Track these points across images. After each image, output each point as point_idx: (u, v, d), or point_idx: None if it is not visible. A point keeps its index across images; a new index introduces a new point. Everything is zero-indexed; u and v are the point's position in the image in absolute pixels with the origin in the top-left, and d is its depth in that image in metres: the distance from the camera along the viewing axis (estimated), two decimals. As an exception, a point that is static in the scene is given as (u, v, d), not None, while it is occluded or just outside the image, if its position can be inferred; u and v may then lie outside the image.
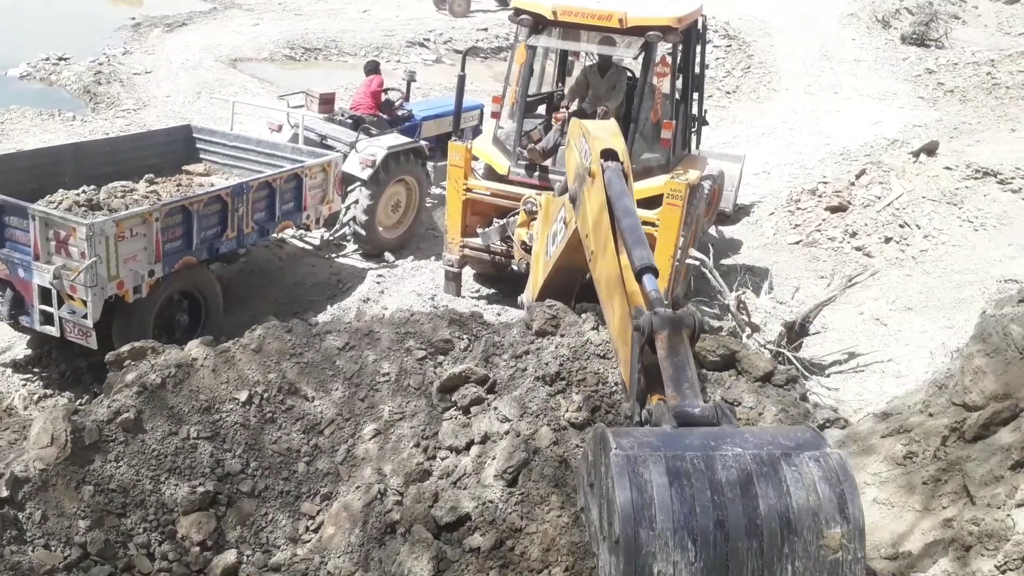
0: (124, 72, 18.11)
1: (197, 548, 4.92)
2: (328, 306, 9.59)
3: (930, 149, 12.14)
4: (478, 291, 10.21)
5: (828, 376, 7.50)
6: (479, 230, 9.36)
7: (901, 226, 10.78)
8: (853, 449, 4.26)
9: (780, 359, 7.30)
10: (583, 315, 5.71)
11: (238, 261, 9.62)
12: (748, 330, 7.57)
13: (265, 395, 5.52)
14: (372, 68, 11.60)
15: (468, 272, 10.17)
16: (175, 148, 10.03)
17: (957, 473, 3.50)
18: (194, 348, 5.68)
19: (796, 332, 7.93)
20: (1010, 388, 3.74)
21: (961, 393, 3.96)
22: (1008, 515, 2.87)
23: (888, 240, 10.78)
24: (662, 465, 2.80)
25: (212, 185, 9.22)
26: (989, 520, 2.91)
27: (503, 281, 9.88)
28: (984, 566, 2.83)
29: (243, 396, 5.44)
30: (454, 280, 9.80)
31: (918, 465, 3.77)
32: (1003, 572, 2.75)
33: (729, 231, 12.21)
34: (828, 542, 2.83)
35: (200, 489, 5.04)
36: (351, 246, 10.95)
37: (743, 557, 2.84)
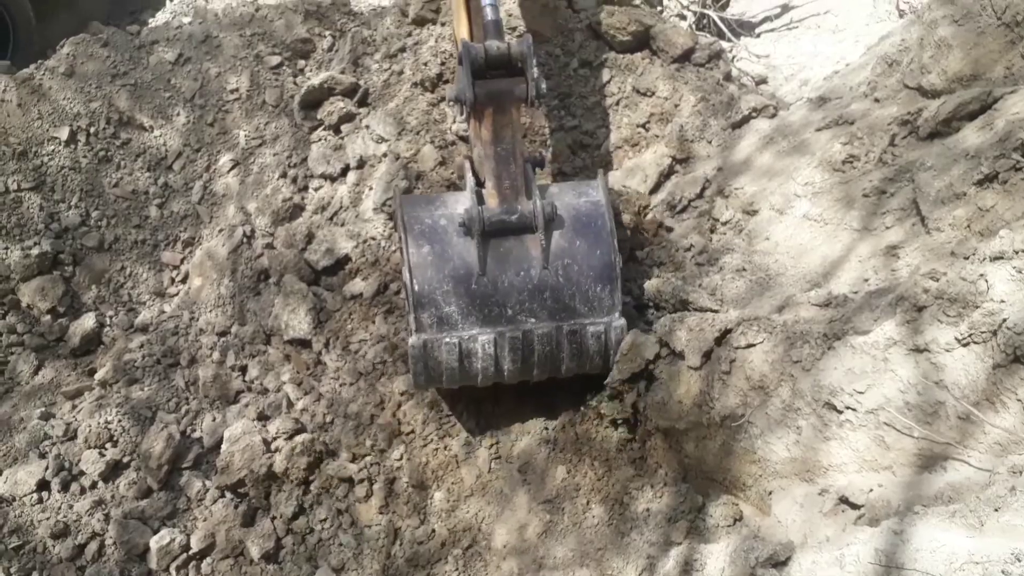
0: None
1: (48, 317, 4.31)
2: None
3: None
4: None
5: (758, 37, 6.65)
6: None
7: None
8: (783, 147, 3.59)
9: (704, 22, 6.40)
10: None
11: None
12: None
13: (92, 129, 4.55)
14: None
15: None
16: None
17: (907, 184, 2.86)
18: (-14, 80, 4.55)
19: (724, -15, 6.87)
20: (980, 68, 2.96)
21: (917, 73, 3.17)
22: (981, 275, 2.14)
23: None
24: (455, 351, 3.11)
25: None
26: (954, 278, 2.21)
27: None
28: (941, 336, 2.18)
29: (64, 134, 4.48)
30: None
31: (859, 172, 3.13)
32: (964, 345, 2.13)
33: None
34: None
35: (35, 250, 4.30)
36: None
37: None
